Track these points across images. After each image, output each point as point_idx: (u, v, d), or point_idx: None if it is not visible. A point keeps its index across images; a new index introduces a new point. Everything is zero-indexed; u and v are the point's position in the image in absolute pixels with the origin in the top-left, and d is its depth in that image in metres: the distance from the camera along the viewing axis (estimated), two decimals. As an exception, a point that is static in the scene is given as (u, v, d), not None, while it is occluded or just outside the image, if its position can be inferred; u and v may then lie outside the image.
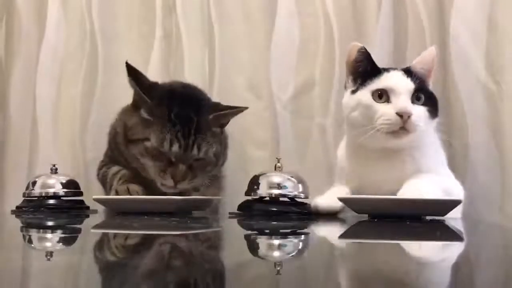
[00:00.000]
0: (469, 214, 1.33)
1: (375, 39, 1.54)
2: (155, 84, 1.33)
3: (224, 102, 1.48)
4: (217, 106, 1.32)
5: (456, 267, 0.61)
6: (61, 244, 0.82)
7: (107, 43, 1.70)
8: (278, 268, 0.58)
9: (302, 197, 1.16)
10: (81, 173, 1.60)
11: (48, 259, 0.63)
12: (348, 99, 1.18)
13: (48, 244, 0.82)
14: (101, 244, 0.80)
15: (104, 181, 1.38)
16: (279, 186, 1.14)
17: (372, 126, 1.11)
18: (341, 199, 1.09)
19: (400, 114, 1.10)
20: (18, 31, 1.74)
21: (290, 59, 1.60)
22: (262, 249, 0.76)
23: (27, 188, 1.35)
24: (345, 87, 1.21)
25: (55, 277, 0.52)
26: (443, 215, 1.07)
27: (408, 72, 1.16)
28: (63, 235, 0.95)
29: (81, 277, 0.51)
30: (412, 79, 1.14)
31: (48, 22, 1.72)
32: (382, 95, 1.13)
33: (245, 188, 1.17)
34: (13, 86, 1.73)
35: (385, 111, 1.11)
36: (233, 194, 1.42)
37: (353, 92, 1.17)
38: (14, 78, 1.73)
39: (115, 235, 0.96)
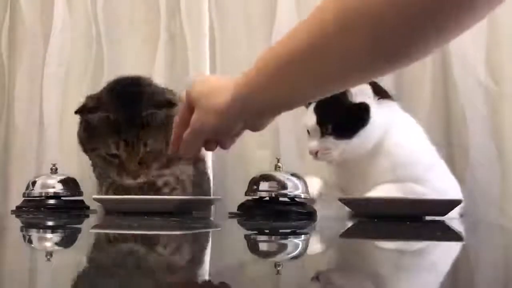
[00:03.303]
0: (469, 214, 1.33)
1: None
2: (97, 96, 1.32)
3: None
4: (157, 98, 1.30)
5: (456, 267, 0.61)
6: (61, 244, 0.82)
7: (112, 46, 1.70)
8: (278, 268, 0.58)
9: (302, 197, 1.16)
10: (85, 174, 1.59)
11: (48, 259, 0.63)
12: None
13: (48, 244, 0.82)
14: (101, 244, 0.80)
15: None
16: (279, 186, 1.14)
17: None
18: (341, 200, 1.09)
19: (309, 153, 1.29)
20: (23, 35, 1.74)
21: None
22: (262, 249, 0.76)
23: (27, 188, 1.35)
24: None
25: (55, 277, 0.52)
26: (443, 215, 1.08)
27: (325, 105, 1.26)
28: (63, 235, 0.95)
29: (81, 277, 0.51)
30: (319, 112, 1.27)
31: (54, 26, 1.72)
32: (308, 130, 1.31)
33: (245, 188, 1.17)
34: (19, 89, 1.74)
35: (307, 146, 1.30)
36: (233, 194, 1.42)
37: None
38: (19, 82, 1.74)
39: (115, 235, 0.96)
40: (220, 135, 0.95)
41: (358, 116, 1.25)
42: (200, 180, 1.42)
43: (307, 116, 1.29)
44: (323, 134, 1.26)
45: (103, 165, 1.30)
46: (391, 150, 1.23)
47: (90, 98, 1.31)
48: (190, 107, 0.93)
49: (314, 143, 1.28)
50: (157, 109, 1.27)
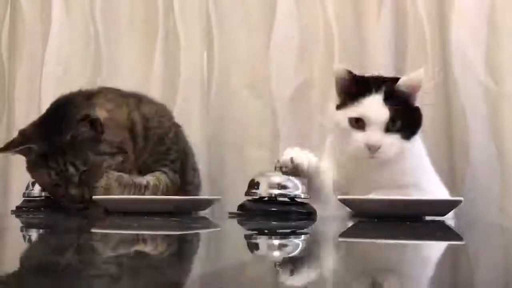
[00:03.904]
0: (469, 214, 1.33)
1: (375, 38, 1.54)
2: (23, 131, 1.31)
3: (223, 102, 1.49)
4: (76, 118, 1.25)
5: (456, 267, 0.60)
6: (61, 244, 0.82)
7: (110, 45, 1.70)
8: (278, 268, 0.58)
9: (302, 197, 1.16)
10: None
11: (48, 259, 0.63)
12: (333, 113, 1.24)
13: (48, 244, 0.82)
14: (100, 244, 0.80)
15: None
16: (279, 186, 1.14)
17: (347, 147, 1.18)
18: (341, 200, 1.09)
19: (368, 147, 1.15)
20: (22, 34, 1.75)
21: (290, 59, 1.60)
22: (262, 249, 0.76)
23: (27, 188, 1.35)
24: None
25: (55, 277, 0.52)
26: (443, 215, 1.08)
27: (389, 95, 1.17)
28: (63, 235, 0.95)
29: (81, 277, 0.51)
30: (390, 105, 1.16)
31: (52, 25, 1.72)
32: (358, 121, 1.17)
33: (245, 188, 1.17)
34: (18, 88, 1.74)
35: (357, 139, 1.16)
36: (233, 194, 1.42)
37: (338, 107, 1.22)
38: (19, 80, 1.74)
39: (115, 235, 0.96)
40: None
41: (418, 120, 1.20)
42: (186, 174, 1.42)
43: (368, 107, 1.17)
44: (388, 130, 1.16)
45: (51, 195, 1.29)
46: (404, 155, 1.20)
47: (18, 133, 1.30)
48: None
49: (377, 137, 1.16)
50: (73, 129, 1.23)
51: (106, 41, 1.71)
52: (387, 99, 1.17)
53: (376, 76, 1.23)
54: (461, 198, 1.06)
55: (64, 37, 1.73)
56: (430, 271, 0.57)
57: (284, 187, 1.14)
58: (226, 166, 1.63)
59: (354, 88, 1.19)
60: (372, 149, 1.15)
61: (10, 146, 1.29)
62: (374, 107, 1.17)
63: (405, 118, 1.17)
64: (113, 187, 1.25)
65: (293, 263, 0.62)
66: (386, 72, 1.52)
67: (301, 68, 1.60)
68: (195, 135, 1.59)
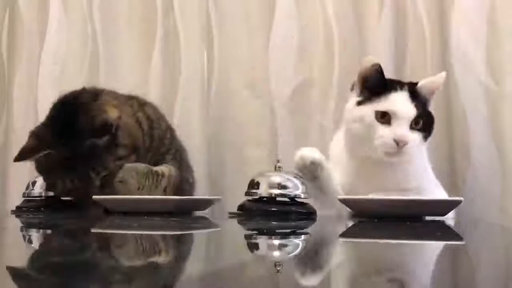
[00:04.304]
0: (469, 214, 1.33)
1: (375, 38, 1.54)
2: (36, 133, 1.28)
3: (223, 101, 1.48)
4: (93, 126, 1.24)
5: (456, 267, 0.60)
6: (60, 244, 0.82)
7: (108, 43, 1.70)
8: (278, 268, 0.58)
9: (302, 197, 1.16)
10: None
11: (48, 259, 0.63)
12: (352, 108, 1.21)
13: (48, 244, 0.82)
14: (100, 244, 0.80)
15: None
16: (279, 186, 1.14)
17: (370, 142, 1.16)
18: (341, 200, 1.09)
19: (397, 141, 1.15)
20: (20, 32, 1.74)
21: (289, 58, 1.60)
22: (262, 249, 0.76)
23: (27, 188, 1.35)
24: (351, 89, 1.24)
25: (55, 277, 0.52)
26: (443, 215, 1.07)
27: (414, 94, 1.19)
28: (63, 235, 0.95)
29: (81, 277, 0.51)
30: (416, 104, 1.17)
31: (50, 23, 1.72)
32: (384, 116, 1.17)
33: (245, 188, 1.17)
34: (16, 87, 1.73)
35: (384, 134, 1.16)
36: (233, 194, 1.42)
37: (359, 103, 1.20)
38: (17, 79, 1.74)
39: (115, 235, 0.96)
40: None
41: (432, 124, 1.21)
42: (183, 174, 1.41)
43: (396, 102, 1.17)
44: (411, 127, 1.17)
45: (70, 196, 1.28)
46: (412, 158, 1.20)
47: (30, 137, 1.27)
48: None
49: (405, 132, 1.15)
50: (95, 138, 1.23)
51: (104, 40, 1.70)
52: (411, 98, 1.18)
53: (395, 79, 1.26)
54: (461, 198, 1.06)
55: (61, 36, 1.73)
56: (430, 271, 0.57)
57: (284, 187, 1.14)
58: (226, 166, 1.63)
59: (381, 83, 1.19)
60: (400, 144, 1.15)
61: (28, 153, 1.25)
62: (401, 102, 1.17)
63: (425, 120, 1.18)
64: (129, 181, 1.25)
65: (293, 263, 0.62)
66: (387, 72, 1.53)
67: (300, 68, 1.60)
68: (195, 135, 1.59)
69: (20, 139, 1.72)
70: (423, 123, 1.18)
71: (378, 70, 1.19)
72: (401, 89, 1.19)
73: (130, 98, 1.40)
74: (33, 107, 1.71)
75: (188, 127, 1.52)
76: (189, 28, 1.66)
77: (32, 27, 1.75)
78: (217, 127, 1.64)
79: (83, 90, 1.33)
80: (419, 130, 1.17)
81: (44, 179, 1.30)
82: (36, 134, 1.27)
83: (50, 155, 1.23)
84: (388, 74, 1.52)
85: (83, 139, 1.22)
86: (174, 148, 1.41)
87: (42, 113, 1.70)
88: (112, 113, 1.27)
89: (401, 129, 1.15)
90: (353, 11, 1.57)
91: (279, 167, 1.17)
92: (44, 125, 1.29)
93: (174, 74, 1.66)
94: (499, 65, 1.48)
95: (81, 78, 1.69)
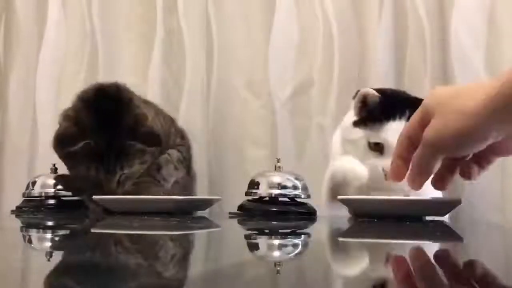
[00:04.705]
0: (469, 214, 1.33)
1: (375, 38, 1.54)
2: (74, 117, 1.29)
3: (223, 101, 1.48)
4: (140, 130, 1.27)
5: (456, 267, 0.60)
6: (61, 244, 0.81)
7: (107, 43, 1.70)
8: (278, 268, 0.58)
9: (302, 197, 1.16)
10: None
11: (48, 259, 0.63)
12: (348, 126, 1.19)
13: (48, 244, 0.82)
14: (101, 244, 0.80)
15: None
16: (279, 186, 1.14)
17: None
18: (341, 200, 1.09)
19: (385, 172, 1.11)
20: (16, 31, 1.74)
21: (289, 58, 1.60)
22: (262, 249, 0.76)
23: (27, 188, 1.35)
24: (353, 98, 1.20)
25: (55, 277, 0.52)
26: (443, 215, 1.07)
27: None
28: (63, 235, 0.95)
29: (81, 278, 0.51)
30: None
31: (48, 23, 1.72)
32: (377, 144, 1.14)
33: (245, 188, 1.17)
34: (12, 87, 1.73)
35: (374, 164, 1.13)
36: (233, 194, 1.42)
37: (355, 124, 1.17)
38: (13, 79, 1.73)
39: (115, 235, 0.96)
40: (464, 149, 0.74)
41: None
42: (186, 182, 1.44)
43: (391, 133, 1.12)
44: None
45: (81, 178, 1.29)
46: None
47: (67, 120, 1.28)
48: (424, 120, 0.75)
49: None
50: (137, 142, 1.26)
51: (103, 40, 1.70)
52: None
53: (401, 96, 1.20)
54: (461, 198, 1.06)
55: (60, 34, 1.72)
56: (430, 271, 0.57)
57: (284, 187, 1.14)
58: (226, 166, 1.63)
59: (378, 111, 1.15)
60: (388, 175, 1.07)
61: (69, 140, 1.25)
62: (396, 134, 1.06)
63: None
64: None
65: (293, 263, 0.62)
66: (386, 72, 1.53)
67: (300, 67, 1.60)
68: (195, 134, 1.60)
69: (16, 139, 1.72)
70: None
71: (377, 102, 1.15)
72: (401, 116, 1.14)
73: (147, 102, 1.42)
74: (31, 107, 1.70)
75: (188, 127, 1.52)
76: (189, 28, 1.66)
77: (30, 25, 1.74)
78: (217, 127, 1.64)
79: (118, 84, 1.33)
80: None
81: (62, 159, 1.30)
82: (74, 120, 1.27)
83: (85, 146, 1.24)
84: (388, 73, 1.53)
85: (125, 138, 1.24)
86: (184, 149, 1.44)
87: (41, 112, 1.70)
88: (154, 123, 1.31)
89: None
90: (353, 11, 1.57)
91: (279, 167, 1.17)
92: (83, 112, 1.27)
93: (175, 74, 1.66)
94: (499, 65, 1.47)
95: (80, 77, 1.69)
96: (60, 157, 1.29)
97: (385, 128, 1.14)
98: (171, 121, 1.45)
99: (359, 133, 1.16)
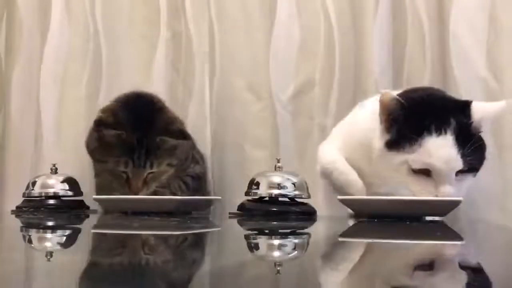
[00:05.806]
0: (469, 214, 1.33)
1: (374, 38, 1.54)
2: (112, 110, 1.35)
3: (224, 102, 1.48)
4: (171, 127, 1.35)
5: (456, 267, 0.60)
6: (61, 244, 0.82)
7: (110, 43, 1.70)
8: (278, 268, 0.58)
9: (302, 197, 1.16)
10: (85, 174, 1.59)
11: (48, 259, 0.63)
12: (382, 149, 1.02)
13: (48, 244, 0.82)
14: (101, 244, 0.80)
15: None
16: (279, 186, 1.14)
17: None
18: (340, 200, 1.09)
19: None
20: (19, 31, 1.74)
21: (290, 59, 1.60)
22: (262, 249, 0.76)
23: (27, 188, 1.35)
24: (379, 118, 1.05)
25: (55, 277, 0.52)
26: (443, 215, 1.07)
27: (462, 136, 0.98)
28: (63, 235, 0.95)
29: (81, 278, 0.51)
30: (464, 152, 0.97)
31: (52, 23, 1.72)
32: (422, 169, 1.00)
33: (245, 188, 1.17)
34: (15, 87, 1.73)
35: (423, 190, 1.00)
36: (233, 194, 1.42)
37: (388, 145, 1.01)
38: (15, 79, 1.73)
39: (115, 235, 0.96)
40: None
41: (484, 151, 1.03)
42: (199, 186, 1.45)
43: (436, 154, 0.96)
44: (457, 173, 1.00)
45: (108, 177, 1.33)
46: None
47: (106, 112, 1.35)
48: None
49: (449, 190, 0.99)
50: (169, 137, 1.32)
51: (106, 40, 1.70)
52: (457, 138, 0.96)
53: (437, 100, 1.04)
54: (461, 198, 1.06)
55: (63, 34, 1.72)
56: (430, 271, 0.57)
57: (284, 187, 1.14)
58: (226, 166, 1.63)
59: (410, 123, 0.99)
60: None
61: (101, 124, 1.32)
62: (443, 154, 0.96)
63: (476, 155, 1.01)
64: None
65: (293, 263, 0.62)
66: (386, 72, 1.53)
67: (301, 68, 1.60)
68: (195, 135, 1.59)
69: (18, 138, 1.72)
70: (473, 160, 1.00)
71: (399, 105, 0.99)
72: (445, 131, 0.96)
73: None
74: (34, 107, 1.70)
75: (188, 127, 1.51)
76: (190, 29, 1.66)
77: (33, 25, 1.74)
78: (218, 127, 1.64)
79: (152, 93, 1.42)
80: (467, 171, 1.02)
81: (94, 153, 1.35)
82: (112, 113, 1.34)
83: (117, 135, 1.29)
84: (388, 73, 1.52)
85: (157, 134, 1.30)
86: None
87: (44, 112, 1.70)
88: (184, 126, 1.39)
89: (444, 187, 0.98)
90: (352, 10, 1.57)
91: (279, 167, 1.17)
92: (120, 110, 1.34)
93: (179, 75, 1.66)
94: (499, 63, 1.47)
95: (83, 78, 1.69)
96: (92, 150, 1.34)
97: (426, 148, 0.97)
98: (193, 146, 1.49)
99: (395, 159, 0.99)
